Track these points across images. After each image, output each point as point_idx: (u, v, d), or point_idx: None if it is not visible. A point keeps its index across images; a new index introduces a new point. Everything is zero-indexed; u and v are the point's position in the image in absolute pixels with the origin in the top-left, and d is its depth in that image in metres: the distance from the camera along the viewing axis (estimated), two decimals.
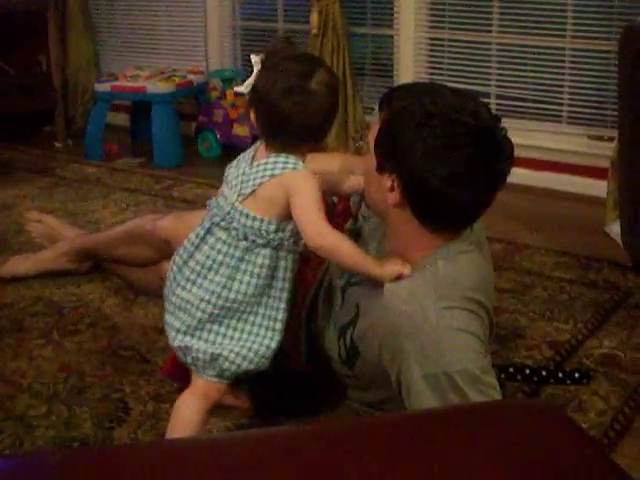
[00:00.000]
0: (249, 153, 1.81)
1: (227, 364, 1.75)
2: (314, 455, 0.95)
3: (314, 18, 4.03)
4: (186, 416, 1.76)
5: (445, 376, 1.60)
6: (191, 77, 4.44)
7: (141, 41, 5.00)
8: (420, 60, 4.04)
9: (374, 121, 1.80)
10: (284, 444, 0.98)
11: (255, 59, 1.76)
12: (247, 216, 1.73)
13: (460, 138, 1.65)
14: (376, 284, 1.74)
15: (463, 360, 1.61)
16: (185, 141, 4.35)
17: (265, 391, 2.04)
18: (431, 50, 4.04)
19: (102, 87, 4.38)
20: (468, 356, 1.62)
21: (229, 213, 1.75)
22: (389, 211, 1.77)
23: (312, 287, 2.05)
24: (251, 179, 1.74)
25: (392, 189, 1.72)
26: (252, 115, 1.75)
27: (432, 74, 4.05)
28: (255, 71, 1.74)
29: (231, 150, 4.05)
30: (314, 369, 2.02)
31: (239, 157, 1.84)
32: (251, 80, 1.74)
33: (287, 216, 1.73)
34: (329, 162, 2.17)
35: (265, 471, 0.91)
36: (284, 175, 1.71)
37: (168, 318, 1.81)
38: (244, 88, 1.76)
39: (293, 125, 1.70)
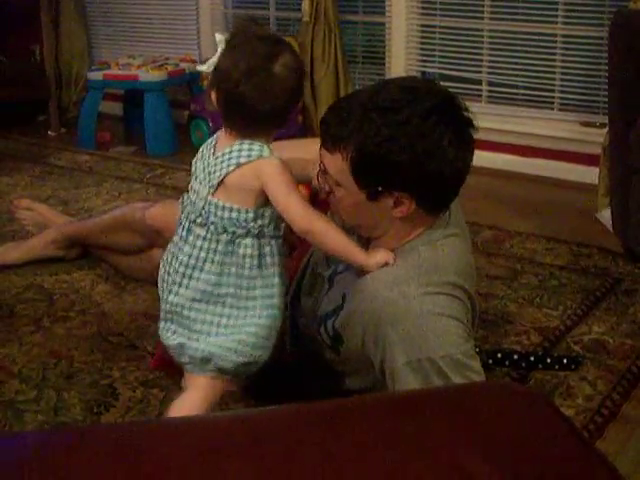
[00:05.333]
0: (211, 143, 1.75)
1: (221, 362, 1.70)
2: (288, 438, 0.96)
3: (306, 5, 4.02)
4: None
5: (429, 362, 1.60)
6: (183, 65, 4.43)
7: (134, 30, 4.99)
8: (412, 47, 4.04)
9: (324, 159, 1.72)
10: (259, 425, 0.99)
11: (219, 38, 1.69)
12: (223, 208, 1.68)
13: (439, 126, 1.62)
14: (361, 272, 1.73)
15: (446, 345, 1.61)
16: (178, 129, 4.35)
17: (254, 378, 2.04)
18: (423, 37, 4.04)
19: (94, 75, 4.37)
20: (451, 341, 1.62)
21: (204, 208, 1.70)
22: (391, 224, 1.74)
23: (296, 276, 2.04)
24: (217, 170, 1.68)
25: (396, 205, 1.69)
26: (213, 96, 1.68)
27: (423, 61, 4.05)
28: (218, 50, 1.69)
29: None
30: (298, 359, 2.02)
31: (201, 148, 1.78)
32: (214, 59, 1.67)
33: (263, 203, 1.69)
34: (304, 148, 2.15)
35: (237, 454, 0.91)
36: (252, 163, 1.66)
37: (163, 324, 1.77)
38: (206, 67, 1.69)
39: (254, 108, 1.63)
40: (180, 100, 4.54)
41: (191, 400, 1.74)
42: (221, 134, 1.74)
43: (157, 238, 2.49)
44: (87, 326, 2.41)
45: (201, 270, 1.71)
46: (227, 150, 1.69)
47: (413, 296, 1.64)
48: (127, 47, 4.96)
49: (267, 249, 1.72)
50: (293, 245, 2.06)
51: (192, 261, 1.71)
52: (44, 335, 2.35)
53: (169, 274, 1.75)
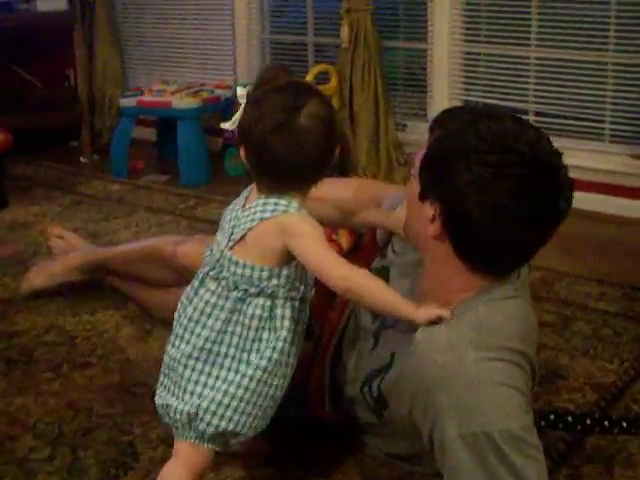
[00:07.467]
0: (243, 195, 1.66)
1: (203, 425, 1.58)
2: None
3: (345, 31, 3.89)
4: None
5: (484, 436, 1.43)
6: (218, 92, 4.32)
7: (169, 55, 4.90)
8: (455, 75, 3.88)
9: (423, 143, 1.64)
10: None
11: (240, 92, 1.60)
12: (237, 264, 1.57)
13: (512, 168, 1.48)
14: (412, 329, 1.57)
15: (505, 418, 1.44)
16: (212, 157, 4.23)
17: (281, 437, 1.89)
18: (466, 64, 3.89)
19: (127, 102, 4.28)
20: (510, 414, 1.45)
21: (218, 261, 1.60)
22: (428, 245, 1.61)
23: (337, 329, 1.89)
24: (241, 223, 1.58)
25: (433, 219, 1.56)
26: (242, 152, 1.58)
27: (467, 89, 3.89)
28: (241, 105, 1.58)
29: None
30: (336, 417, 1.87)
31: (236, 200, 1.68)
32: (237, 115, 1.58)
33: (281, 261, 1.57)
34: (344, 187, 2.02)
35: None
36: (276, 219, 1.55)
37: (162, 378, 1.67)
38: (230, 125, 1.59)
39: (283, 165, 1.53)
40: (215, 127, 4.42)
41: (172, 469, 1.62)
42: (253, 188, 1.63)
43: (188, 276, 2.37)
44: (109, 374, 2.27)
45: (203, 326, 1.59)
46: (253, 204, 1.58)
47: (469, 362, 1.47)
48: (162, 72, 4.87)
49: (279, 312, 1.59)
50: (333, 295, 1.92)
51: (196, 314, 1.61)
52: (63, 384, 2.22)
53: (175, 327, 1.66)
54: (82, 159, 4.64)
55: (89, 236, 3.32)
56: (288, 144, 1.52)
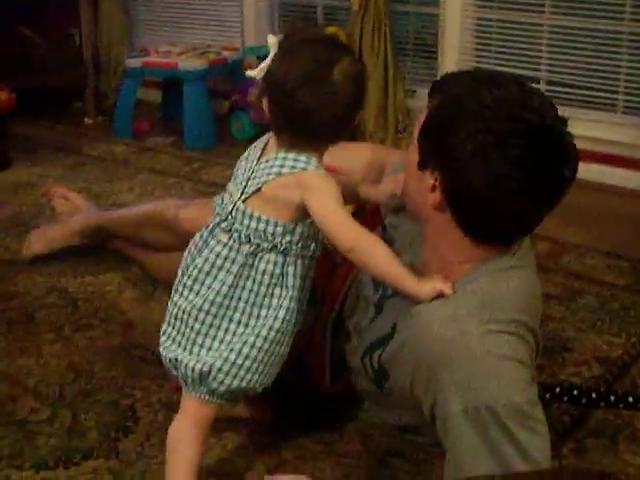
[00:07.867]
0: (259, 145, 1.60)
1: (214, 383, 1.56)
2: None
3: None
4: (181, 446, 1.59)
5: (487, 410, 1.40)
6: (225, 54, 4.26)
7: (176, 15, 4.82)
8: (466, 41, 3.81)
9: (421, 110, 1.58)
10: None
11: (272, 40, 1.53)
12: (251, 217, 1.53)
13: (516, 136, 1.42)
14: (414, 300, 1.53)
15: (509, 392, 1.41)
16: (218, 120, 4.18)
17: (283, 404, 1.87)
18: (478, 31, 3.81)
19: (133, 63, 4.22)
20: (515, 388, 1.42)
21: (231, 213, 1.55)
22: (429, 215, 1.56)
23: (339, 298, 1.86)
24: (257, 176, 1.53)
25: (433, 189, 1.51)
26: (265, 104, 1.53)
27: (479, 56, 3.82)
28: (271, 53, 1.53)
29: (265, 132, 3.86)
30: (337, 387, 1.84)
31: (250, 148, 1.63)
32: (266, 64, 1.53)
33: (296, 218, 1.53)
34: (357, 155, 1.96)
35: None
36: (295, 174, 1.51)
37: (166, 327, 1.64)
38: (257, 73, 1.53)
39: (310, 119, 1.48)
40: (221, 90, 4.37)
41: (181, 426, 1.61)
42: (272, 139, 1.57)
43: (189, 240, 2.34)
44: (110, 337, 2.25)
45: (215, 278, 1.56)
46: (272, 157, 1.53)
47: (473, 335, 1.43)
48: (168, 33, 4.80)
49: (290, 269, 1.56)
50: (336, 263, 1.89)
51: (207, 267, 1.56)
52: (64, 346, 2.20)
53: (183, 275, 1.62)
54: (86, 120, 4.59)
55: (92, 197, 3.28)
56: (317, 98, 1.47)
